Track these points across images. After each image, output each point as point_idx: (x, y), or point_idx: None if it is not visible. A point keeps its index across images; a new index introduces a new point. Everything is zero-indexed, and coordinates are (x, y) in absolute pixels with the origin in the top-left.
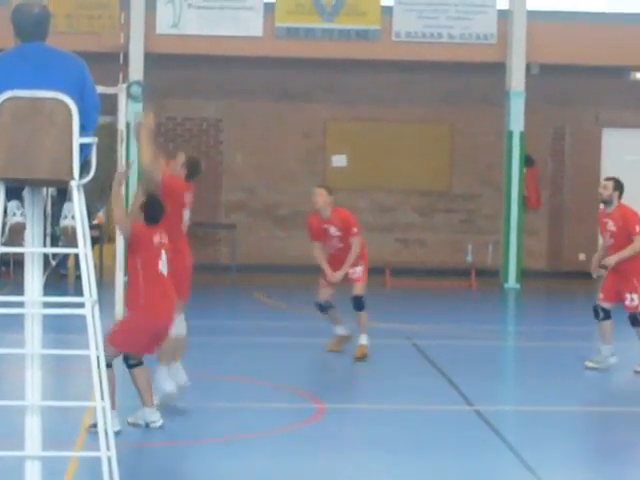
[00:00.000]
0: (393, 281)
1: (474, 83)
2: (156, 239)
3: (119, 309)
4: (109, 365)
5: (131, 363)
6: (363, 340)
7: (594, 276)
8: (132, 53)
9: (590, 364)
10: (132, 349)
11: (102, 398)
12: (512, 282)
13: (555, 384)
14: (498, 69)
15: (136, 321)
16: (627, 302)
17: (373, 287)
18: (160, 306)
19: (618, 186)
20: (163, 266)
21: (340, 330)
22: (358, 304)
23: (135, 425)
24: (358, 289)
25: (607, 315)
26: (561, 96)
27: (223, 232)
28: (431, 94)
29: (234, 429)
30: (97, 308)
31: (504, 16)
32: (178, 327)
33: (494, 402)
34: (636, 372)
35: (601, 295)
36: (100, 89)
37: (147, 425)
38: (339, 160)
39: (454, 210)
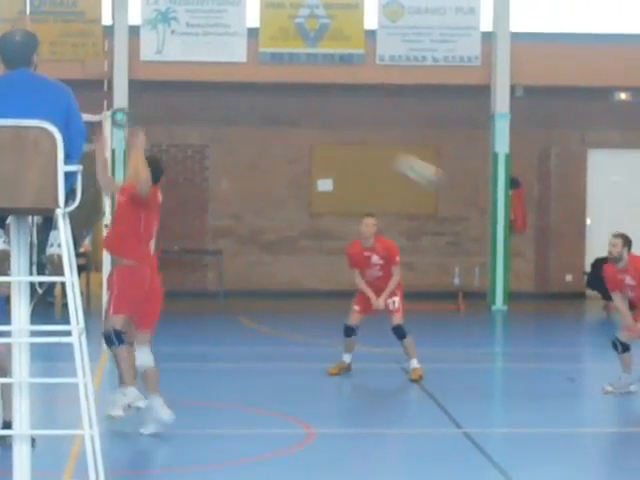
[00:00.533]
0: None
1: (459, 106)
2: (158, 201)
3: None
4: (122, 341)
5: (122, 338)
6: (415, 364)
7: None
8: (116, 80)
9: (609, 388)
10: (130, 311)
11: (90, 426)
12: (499, 304)
13: (544, 406)
14: (483, 91)
15: (128, 275)
16: None
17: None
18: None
19: (627, 242)
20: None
21: (347, 358)
22: (400, 333)
23: (117, 416)
24: (397, 319)
25: (626, 348)
26: (546, 118)
27: (210, 258)
28: (416, 117)
29: (221, 456)
30: (84, 336)
31: (488, 38)
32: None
33: (483, 424)
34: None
35: (624, 333)
36: (85, 117)
37: (129, 407)
38: (325, 184)
39: (441, 233)
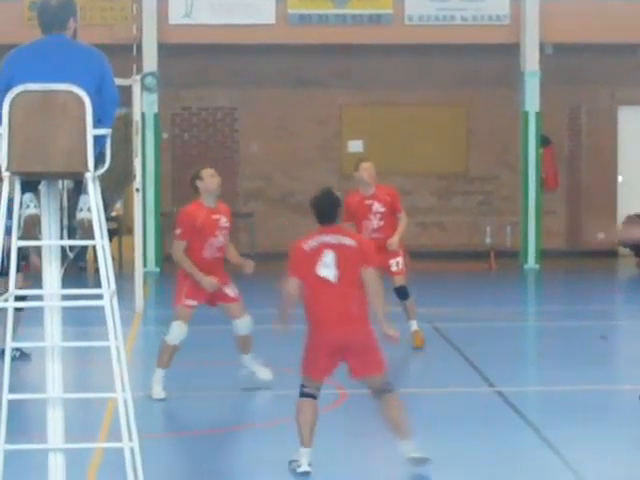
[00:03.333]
0: (412, 264)
1: (488, 65)
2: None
3: (139, 301)
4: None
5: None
6: (414, 326)
7: None
8: (145, 44)
9: None
10: None
11: (123, 389)
12: (531, 263)
13: (577, 364)
14: (512, 50)
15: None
16: None
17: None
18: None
19: None
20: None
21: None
22: (403, 293)
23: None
24: (400, 280)
25: None
26: (576, 75)
27: (241, 220)
28: (445, 77)
29: (254, 416)
30: (115, 299)
31: None
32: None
33: (516, 383)
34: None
35: None
36: (115, 81)
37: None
38: (355, 146)
39: (471, 192)
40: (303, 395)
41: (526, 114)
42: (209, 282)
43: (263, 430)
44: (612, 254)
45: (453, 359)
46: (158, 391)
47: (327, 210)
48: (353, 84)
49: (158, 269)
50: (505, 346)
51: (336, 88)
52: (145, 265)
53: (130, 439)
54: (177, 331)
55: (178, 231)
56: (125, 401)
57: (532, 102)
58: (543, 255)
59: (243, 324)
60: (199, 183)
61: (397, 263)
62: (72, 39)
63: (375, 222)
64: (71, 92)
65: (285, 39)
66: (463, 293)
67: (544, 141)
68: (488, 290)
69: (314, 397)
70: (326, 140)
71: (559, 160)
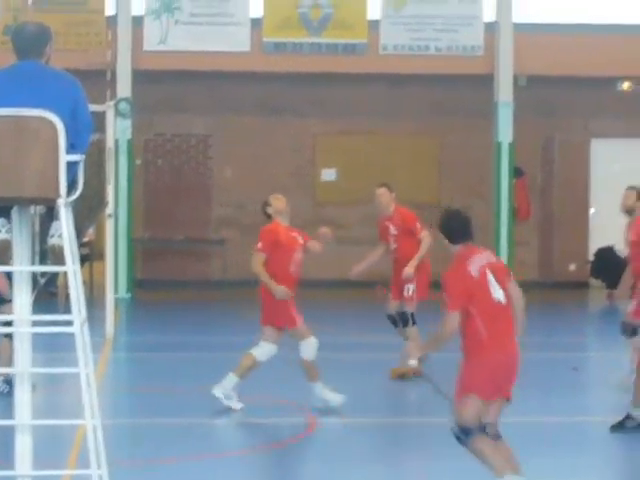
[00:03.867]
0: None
1: (462, 95)
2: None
3: (109, 327)
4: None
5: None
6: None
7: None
8: (120, 70)
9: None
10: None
11: (92, 416)
12: None
13: (548, 394)
14: (486, 81)
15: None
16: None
17: (366, 300)
18: None
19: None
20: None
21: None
22: (403, 319)
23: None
24: (409, 307)
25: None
26: (549, 107)
27: (213, 247)
28: (419, 107)
29: (223, 445)
30: (86, 326)
31: (491, 28)
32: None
33: None
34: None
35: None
36: (88, 106)
37: None
38: (329, 174)
39: None
40: (469, 434)
41: (499, 145)
42: (282, 290)
43: (232, 458)
44: (584, 285)
45: (424, 389)
46: (234, 401)
47: (467, 227)
48: (327, 113)
49: (129, 295)
50: None
51: (310, 116)
52: (116, 291)
53: (99, 466)
54: (268, 351)
55: (259, 245)
56: (94, 428)
57: (505, 133)
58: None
59: (308, 346)
60: (269, 209)
61: (408, 289)
62: (46, 65)
63: (392, 244)
64: (44, 118)
65: (260, 67)
66: (435, 323)
67: (517, 172)
68: None
69: (483, 431)
70: (300, 168)
71: (532, 191)
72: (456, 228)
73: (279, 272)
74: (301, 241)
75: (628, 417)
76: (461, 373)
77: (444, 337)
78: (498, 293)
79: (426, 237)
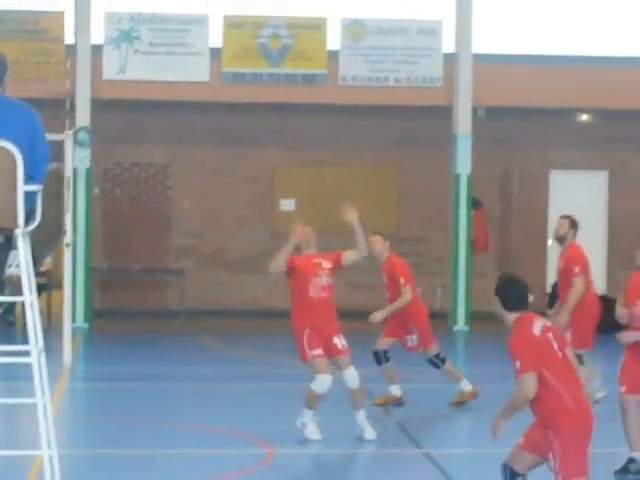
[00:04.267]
0: (343, 325)
1: (421, 126)
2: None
3: (67, 356)
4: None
5: None
6: (464, 386)
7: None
8: (79, 99)
9: None
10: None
11: (49, 446)
12: (461, 324)
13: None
14: (445, 112)
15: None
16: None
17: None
18: None
19: (574, 225)
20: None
21: (394, 389)
22: (433, 363)
23: None
24: (430, 351)
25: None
26: (508, 138)
27: (172, 277)
28: (378, 137)
29: (180, 476)
30: (43, 356)
31: (450, 59)
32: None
33: (444, 445)
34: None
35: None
36: (47, 136)
37: None
38: (287, 204)
39: (402, 253)
40: None
41: (457, 176)
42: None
43: None
44: (541, 316)
45: (381, 419)
46: (314, 430)
47: (525, 294)
48: (286, 143)
49: (87, 325)
50: (434, 408)
51: (269, 146)
52: (74, 320)
53: None
54: (319, 383)
55: None
56: (51, 458)
57: (464, 164)
58: (473, 317)
59: (349, 376)
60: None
61: (412, 340)
62: (3, 94)
63: (385, 293)
64: (2, 148)
65: (219, 97)
66: (393, 354)
67: (475, 203)
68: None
69: None
70: (258, 198)
71: (490, 223)
72: (514, 295)
73: (298, 299)
74: (326, 265)
75: (631, 461)
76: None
77: (519, 404)
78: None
79: (407, 293)
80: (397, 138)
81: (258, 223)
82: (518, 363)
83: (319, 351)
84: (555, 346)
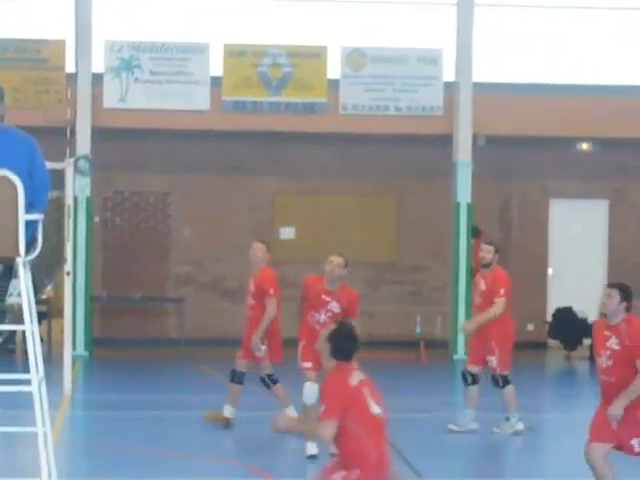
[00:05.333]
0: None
1: (421, 155)
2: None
3: (67, 384)
4: None
5: None
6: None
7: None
8: (79, 127)
9: (453, 427)
10: None
11: (50, 475)
12: (461, 353)
13: (505, 456)
14: (445, 141)
15: None
16: (488, 364)
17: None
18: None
19: (497, 250)
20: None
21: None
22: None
23: None
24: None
25: (475, 380)
26: (508, 167)
27: (171, 305)
28: (379, 166)
29: None
30: (44, 384)
31: (450, 88)
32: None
33: (444, 475)
34: (450, 430)
35: (468, 359)
36: (47, 164)
37: None
38: (287, 232)
39: (402, 282)
40: None
41: (457, 205)
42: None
43: None
44: (541, 346)
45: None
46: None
47: (354, 349)
48: (286, 172)
49: (87, 353)
50: (434, 437)
51: (269, 175)
52: (74, 348)
53: None
54: (304, 391)
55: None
56: None
57: (464, 193)
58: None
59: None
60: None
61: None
62: (1, 124)
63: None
64: (3, 177)
65: (219, 126)
66: (393, 383)
67: (475, 232)
68: (418, 380)
69: None
70: (258, 226)
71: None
72: (345, 347)
73: (305, 323)
74: (331, 308)
75: None
76: None
77: (311, 434)
78: (375, 408)
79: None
80: (397, 167)
81: None
82: (323, 407)
83: (309, 364)
84: (368, 400)
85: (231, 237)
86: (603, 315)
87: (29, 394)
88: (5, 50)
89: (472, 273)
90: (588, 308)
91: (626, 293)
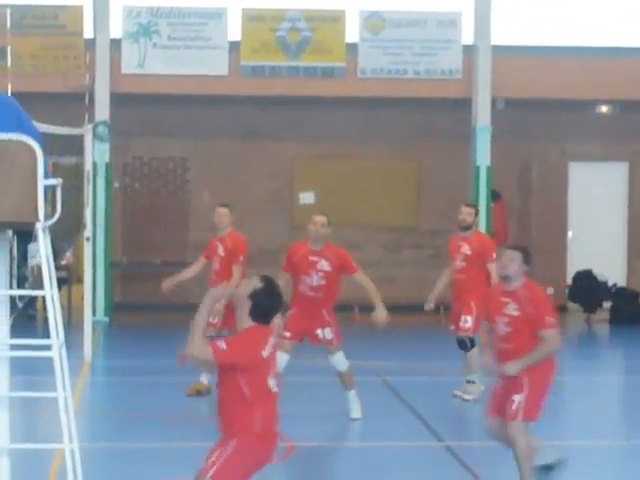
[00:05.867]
0: (362, 318)
1: (440, 119)
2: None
3: (87, 350)
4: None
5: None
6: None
7: (426, 308)
8: (98, 93)
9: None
10: None
11: (70, 440)
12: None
13: None
14: (464, 104)
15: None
16: (461, 324)
17: (342, 324)
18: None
19: (478, 213)
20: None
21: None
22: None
23: None
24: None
25: (473, 344)
26: (527, 130)
27: None
28: (397, 130)
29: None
30: (64, 349)
31: (469, 51)
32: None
33: (465, 438)
34: (454, 396)
35: (452, 326)
36: (66, 130)
37: None
38: (307, 197)
39: (422, 246)
40: None
41: (477, 169)
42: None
43: None
44: (561, 309)
45: (402, 413)
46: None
47: (275, 311)
48: (305, 136)
49: (107, 319)
50: (454, 400)
51: (288, 140)
52: (94, 314)
53: None
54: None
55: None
56: (72, 452)
57: (483, 157)
58: None
59: (334, 360)
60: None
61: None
62: None
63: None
64: (22, 142)
65: (237, 91)
66: (413, 347)
67: (494, 196)
68: (437, 344)
69: None
70: (277, 192)
71: (509, 215)
72: (266, 308)
73: (296, 293)
74: (321, 267)
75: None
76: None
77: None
78: (272, 381)
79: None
80: (416, 131)
81: (277, 217)
82: (225, 345)
83: (288, 334)
84: (269, 374)
85: (251, 202)
86: (503, 278)
87: (50, 360)
88: (23, 17)
89: (492, 237)
90: (608, 271)
91: (528, 257)
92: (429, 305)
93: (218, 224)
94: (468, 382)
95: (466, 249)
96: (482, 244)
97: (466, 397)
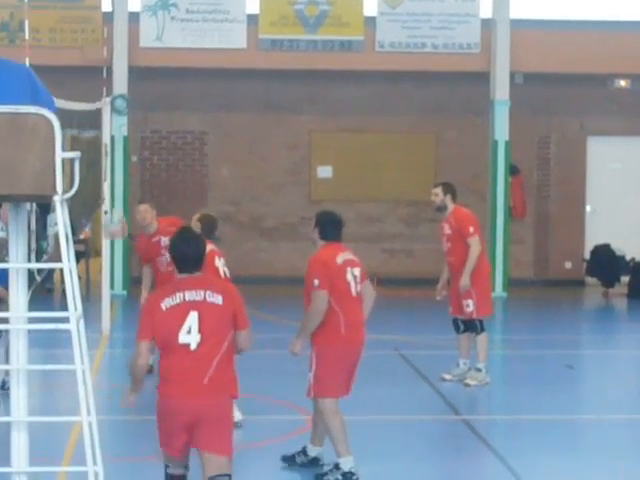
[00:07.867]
0: (380, 291)
1: (458, 93)
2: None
3: (105, 323)
4: None
5: None
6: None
7: (438, 298)
8: (116, 67)
9: (447, 377)
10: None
11: (88, 413)
12: (499, 291)
13: (543, 392)
14: (482, 78)
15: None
16: (464, 309)
17: None
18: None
19: (449, 190)
20: None
21: None
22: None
23: None
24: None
25: (466, 327)
26: (546, 105)
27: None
28: (415, 104)
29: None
30: (82, 322)
31: (487, 25)
32: None
33: (482, 411)
34: (443, 379)
35: (450, 310)
36: (84, 105)
37: None
38: (325, 171)
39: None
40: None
41: (495, 143)
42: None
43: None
44: (579, 283)
45: (419, 386)
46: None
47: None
48: (323, 110)
49: (125, 292)
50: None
51: (306, 114)
52: (112, 288)
53: (95, 463)
54: None
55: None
56: (90, 424)
57: (501, 131)
58: (510, 283)
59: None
60: None
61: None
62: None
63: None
64: (40, 115)
65: (256, 64)
66: (430, 320)
67: (513, 170)
68: None
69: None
70: (295, 165)
71: (527, 189)
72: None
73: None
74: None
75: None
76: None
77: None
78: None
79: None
80: (434, 104)
81: (295, 190)
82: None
83: None
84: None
85: (269, 176)
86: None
87: (67, 333)
88: None
89: (510, 212)
90: (626, 245)
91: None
92: (440, 295)
93: (141, 222)
94: (477, 370)
95: (446, 229)
96: (458, 220)
97: (470, 382)
